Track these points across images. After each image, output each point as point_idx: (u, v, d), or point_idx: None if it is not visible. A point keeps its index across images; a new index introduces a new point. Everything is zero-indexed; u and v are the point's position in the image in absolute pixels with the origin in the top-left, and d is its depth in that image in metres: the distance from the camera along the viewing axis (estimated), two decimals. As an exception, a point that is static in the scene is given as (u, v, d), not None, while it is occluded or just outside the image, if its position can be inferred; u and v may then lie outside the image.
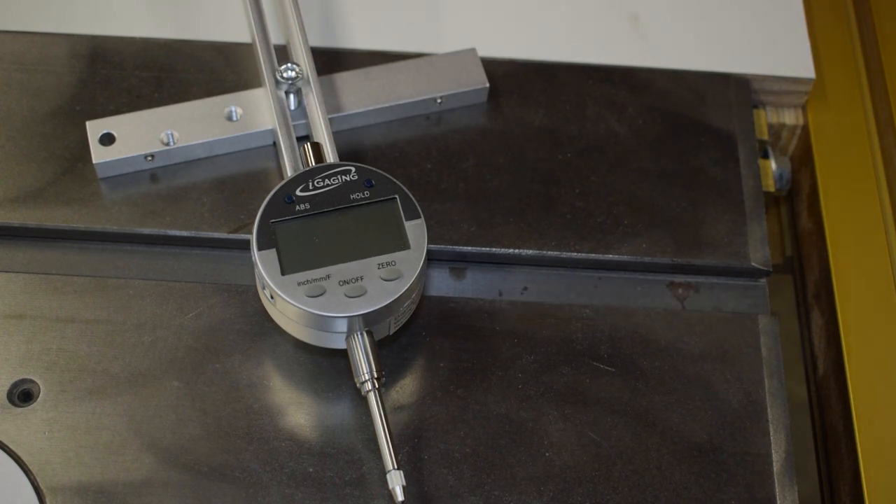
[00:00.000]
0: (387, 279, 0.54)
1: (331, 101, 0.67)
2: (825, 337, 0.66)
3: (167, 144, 0.65)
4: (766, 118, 0.72)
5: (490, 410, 0.59)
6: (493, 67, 0.70)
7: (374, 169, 0.58)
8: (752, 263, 0.64)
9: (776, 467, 0.58)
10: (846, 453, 0.61)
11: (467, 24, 0.73)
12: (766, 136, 0.71)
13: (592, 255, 0.64)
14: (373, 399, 0.54)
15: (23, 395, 0.58)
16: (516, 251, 0.64)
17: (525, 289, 0.64)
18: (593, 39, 0.73)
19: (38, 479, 0.56)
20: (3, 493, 0.55)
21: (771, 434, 0.59)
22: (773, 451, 0.58)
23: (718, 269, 0.64)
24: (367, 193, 0.57)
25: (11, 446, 0.57)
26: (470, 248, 0.64)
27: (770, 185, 0.70)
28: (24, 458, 0.56)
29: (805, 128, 0.73)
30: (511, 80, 0.70)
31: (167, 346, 0.60)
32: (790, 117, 0.73)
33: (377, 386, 0.54)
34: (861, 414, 0.61)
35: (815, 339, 0.67)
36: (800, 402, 0.67)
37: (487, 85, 0.68)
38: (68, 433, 0.57)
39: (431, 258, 0.63)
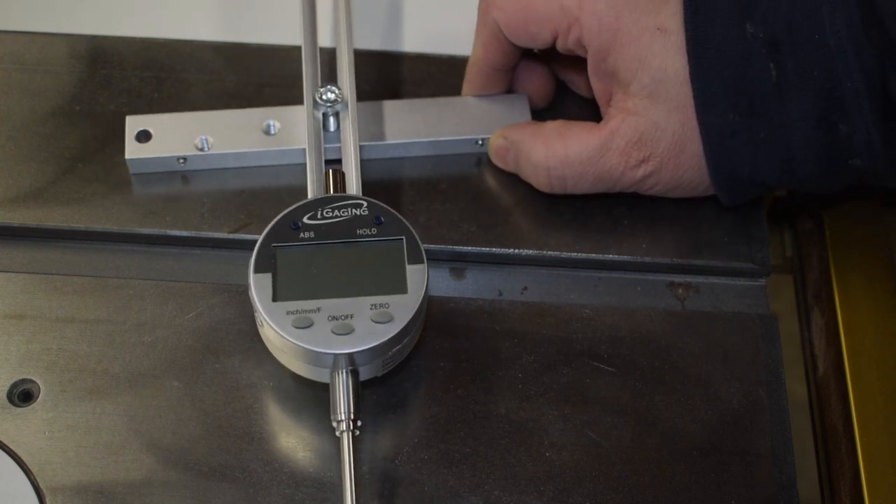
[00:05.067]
0: (377, 321, 0.53)
1: (372, 128, 0.66)
2: (825, 337, 0.66)
3: (201, 150, 0.64)
4: (766, 118, 0.72)
5: (490, 410, 0.59)
6: (494, 67, 0.70)
7: (385, 206, 0.57)
8: (752, 263, 0.64)
9: (776, 467, 0.58)
10: (846, 453, 0.61)
11: (467, 24, 0.73)
12: (766, 136, 0.71)
13: (592, 255, 0.64)
14: (345, 441, 0.53)
15: (23, 395, 0.58)
16: (516, 251, 0.64)
17: (525, 289, 0.64)
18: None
19: (38, 479, 0.56)
20: (3, 493, 0.55)
21: (771, 434, 0.59)
22: (773, 451, 0.58)
23: (718, 269, 0.64)
24: (374, 230, 0.56)
25: (11, 446, 0.57)
26: (470, 248, 0.64)
27: (770, 184, 0.69)
28: (24, 458, 0.56)
29: (805, 128, 0.73)
30: (511, 80, 0.70)
31: (167, 346, 0.60)
32: (790, 117, 0.73)
33: (352, 428, 0.53)
34: (861, 414, 0.61)
35: (815, 339, 0.67)
36: (800, 402, 0.67)
37: None
38: (68, 433, 0.57)
39: (431, 258, 0.63)
